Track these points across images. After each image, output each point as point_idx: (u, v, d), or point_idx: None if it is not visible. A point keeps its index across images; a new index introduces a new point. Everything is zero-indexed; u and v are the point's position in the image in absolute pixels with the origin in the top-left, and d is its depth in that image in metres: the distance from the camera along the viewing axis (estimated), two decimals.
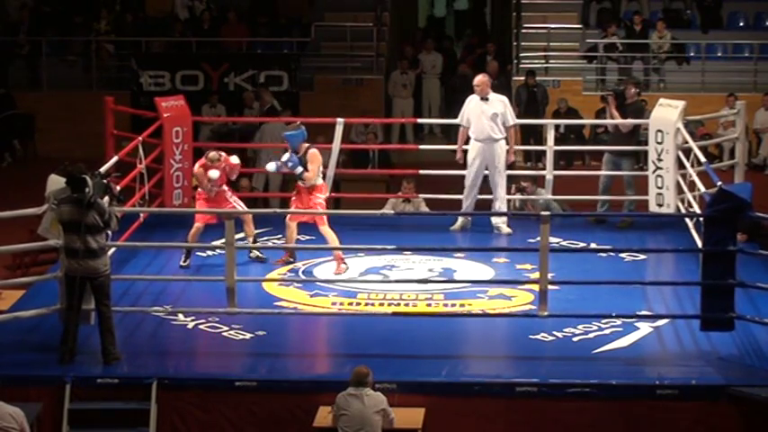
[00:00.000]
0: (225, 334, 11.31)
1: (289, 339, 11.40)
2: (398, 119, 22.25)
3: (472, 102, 14.40)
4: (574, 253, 13.58)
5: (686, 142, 13.77)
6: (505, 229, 14.55)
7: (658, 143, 13.98)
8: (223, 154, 13.34)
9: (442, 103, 23.57)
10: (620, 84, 16.75)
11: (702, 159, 13.13)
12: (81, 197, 10.53)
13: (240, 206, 13.33)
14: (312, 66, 22.77)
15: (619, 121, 14.81)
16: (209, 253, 13.38)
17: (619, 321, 11.43)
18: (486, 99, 14.33)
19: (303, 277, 12.98)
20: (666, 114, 14.03)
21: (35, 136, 22.29)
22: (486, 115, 14.26)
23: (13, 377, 9.99)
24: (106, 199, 10.91)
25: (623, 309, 11.63)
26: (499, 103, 14.35)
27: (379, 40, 23.17)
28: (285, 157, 13.06)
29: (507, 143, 14.45)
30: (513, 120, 14.44)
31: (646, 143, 14.69)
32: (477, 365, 10.70)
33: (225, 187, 13.37)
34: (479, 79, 14.49)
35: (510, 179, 14.93)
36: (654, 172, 14.06)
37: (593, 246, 13.94)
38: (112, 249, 11.96)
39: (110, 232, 11.22)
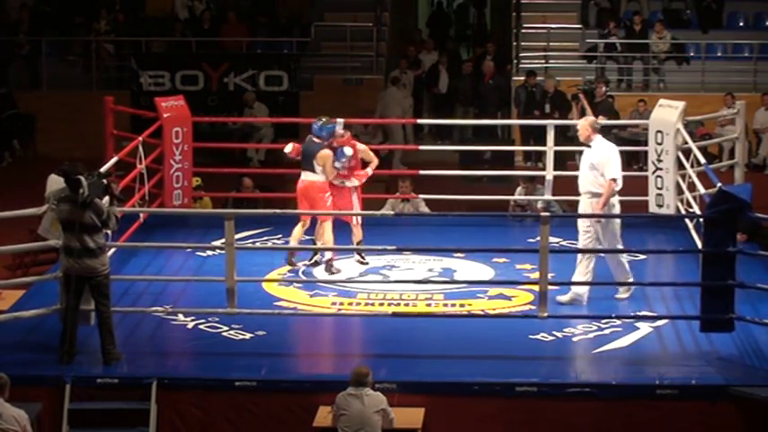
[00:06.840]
0: (225, 334, 11.31)
1: (288, 339, 11.40)
2: (398, 119, 22.22)
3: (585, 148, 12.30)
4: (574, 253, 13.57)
5: (686, 143, 13.76)
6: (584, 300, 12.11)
7: (658, 144, 13.97)
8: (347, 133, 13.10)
9: None
10: (587, 83, 16.51)
11: (702, 160, 13.12)
12: (76, 197, 10.53)
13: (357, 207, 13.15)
14: (312, 66, 22.79)
15: (628, 122, 14.70)
16: (210, 253, 13.38)
17: (619, 321, 11.43)
18: (589, 146, 12.07)
19: (303, 277, 12.98)
20: (666, 115, 14.01)
21: (35, 136, 22.31)
22: (585, 164, 12.09)
23: (13, 377, 9.94)
24: (106, 199, 10.90)
25: (623, 309, 11.61)
26: (601, 153, 11.96)
27: (379, 40, 23.17)
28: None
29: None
30: (610, 172, 11.84)
31: (645, 144, 14.68)
32: (477, 365, 10.68)
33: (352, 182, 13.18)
34: (580, 124, 12.19)
35: (510, 179, 14.85)
36: (654, 173, 14.05)
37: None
38: (113, 250, 11.97)
39: (109, 232, 11.22)
